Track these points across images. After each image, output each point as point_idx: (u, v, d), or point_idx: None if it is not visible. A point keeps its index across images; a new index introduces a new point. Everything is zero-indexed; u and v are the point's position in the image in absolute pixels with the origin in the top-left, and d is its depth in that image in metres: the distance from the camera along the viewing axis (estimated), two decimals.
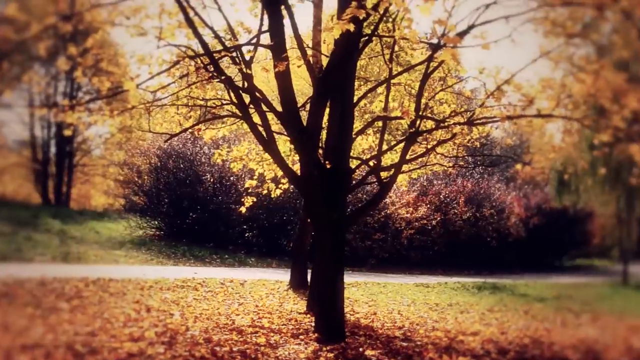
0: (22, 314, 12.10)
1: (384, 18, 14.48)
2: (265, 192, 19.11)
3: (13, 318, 11.58)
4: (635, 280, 21.49)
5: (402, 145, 14.32)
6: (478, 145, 16.07)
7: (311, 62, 14.64)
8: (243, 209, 18.77)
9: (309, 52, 15.12)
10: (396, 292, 22.25)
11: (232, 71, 14.79)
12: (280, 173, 16.88)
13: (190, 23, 12.02)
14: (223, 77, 12.57)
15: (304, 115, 14.47)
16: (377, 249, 32.44)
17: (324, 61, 15.25)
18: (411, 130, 13.69)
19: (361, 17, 9.08)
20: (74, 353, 9.64)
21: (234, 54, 13.09)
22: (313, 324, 13.71)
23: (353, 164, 14.44)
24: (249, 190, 20.16)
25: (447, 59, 9.88)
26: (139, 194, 34.23)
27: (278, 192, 18.95)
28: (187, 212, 31.33)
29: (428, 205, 34.06)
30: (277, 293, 19.40)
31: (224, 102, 14.66)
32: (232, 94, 13.24)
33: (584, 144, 15.84)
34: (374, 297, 20.63)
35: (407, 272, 30.57)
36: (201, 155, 31.82)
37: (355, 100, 14.24)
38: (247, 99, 13.15)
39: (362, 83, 17.81)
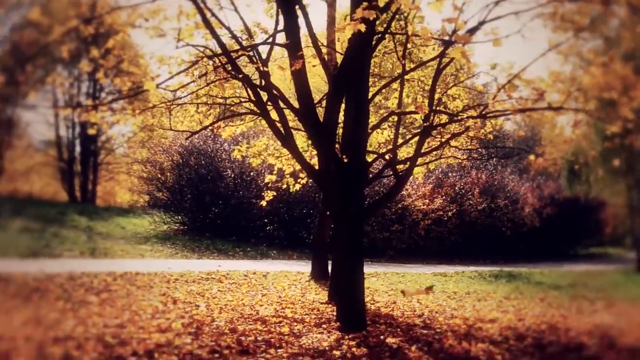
0: (53, 307, 12.21)
1: (396, 16, 14.52)
2: (284, 186, 19.20)
3: (45, 312, 11.69)
4: None
5: (417, 139, 14.38)
6: (491, 138, 16.09)
7: (326, 60, 14.70)
8: (264, 203, 18.89)
9: (324, 50, 15.18)
10: (415, 282, 22.27)
11: (249, 70, 14.87)
12: (298, 167, 16.98)
13: (207, 24, 12.10)
14: (241, 76, 12.65)
15: (320, 111, 14.52)
16: (395, 240, 32.48)
17: (339, 59, 15.31)
18: (425, 125, 13.74)
19: (371, 18, 9.13)
20: (104, 344, 9.75)
21: (251, 53, 13.18)
22: (335, 314, 13.76)
23: (369, 157, 14.48)
24: (269, 185, 20.24)
25: (457, 57, 9.90)
26: (163, 190, 34.38)
27: (297, 186, 19.05)
28: (210, 207, 31.45)
29: (444, 197, 34.07)
30: (299, 284, 19.46)
31: (243, 99, 14.77)
32: (250, 92, 13.33)
33: (594, 135, 15.87)
34: (393, 286, 20.64)
35: (424, 262, 30.56)
36: (221, 151, 31.93)
37: (370, 96, 14.29)
38: (264, 96, 13.23)
39: (376, 79, 17.85)
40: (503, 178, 37.49)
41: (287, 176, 18.73)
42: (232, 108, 15.59)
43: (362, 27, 9.28)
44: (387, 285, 20.91)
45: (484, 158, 27.50)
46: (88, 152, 42.50)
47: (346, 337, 11.93)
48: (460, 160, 18.04)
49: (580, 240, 39.23)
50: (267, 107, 13.27)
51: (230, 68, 12.74)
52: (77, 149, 42.36)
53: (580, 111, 12.15)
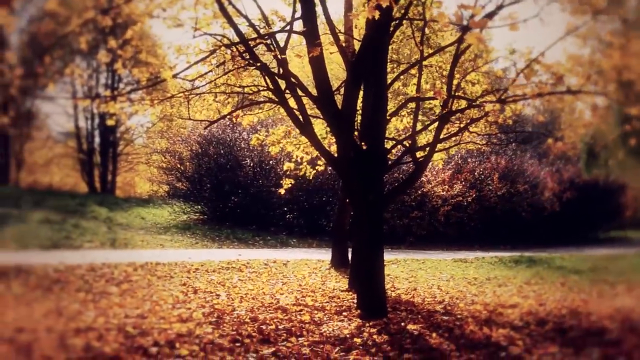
0: (74, 298, 12.24)
1: (414, 1, 14.46)
2: (302, 173, 19.17)
3: (66, 303, 11.71)
4: None
5: (436, 125, 14.33)
6: (510, 123, 16.02)
7: (344, 47, 14.67)
8: (282, 191, 18.86)
9: (342, 37, 15.15)
10: (435, 268, 22.24)
11: (267, 58, 14.86)
12: (317, 154, 16.95)
13: (225, 13, 12.09)
14: (259, 64, 12.65)
15: (338, 98, 14.49)
16: (415, 227, 32.39)
17: (357, 46, 15.26)
18: (444, 110, 13.69)
19: (384, 5, 9.07)
20: (125, 335, 9.77)
21: (269, 41, 13.16)
22: (355, 301, 13.77)
23: (388, 144, 14.47)
24: (288, 173, 20.21)
25: (473, 42, 9.85)
26: (182, 180, 34.46)
27: (314, 172, 19.01)
28: (229, 196, 31.47)
29: (463, 183, 33.96)
30: (319, 272, 19.46)
31: (261, 88, 14.74)
32: (268, 80, 13.30)
33: (613, 117, 15.78)
34: (413, 273, 20.64)
35: (444, 249, 30.50)
36: (240, 140, 31.94)
37: (388, 83, 14.26)
38: (282, 84, 13.21)
39: (394, 66, 17.81)
40: (522, 163, 37.33)
41: (305, 163, 18.70)
42: (250, 97, 15.59)
43: (377, 14, 9.23)
44: (408, 272, 20.90)
45: (503, 143, 27.41)
46: (107, 143, 42.65)
47: (367, 324, 11.94)
48: (479, 146, 18.02)
49: (600, 224, 39.00)
50: (285, 95, 13.25)
51: (248, 56, 12.72)
52: (97, 140, 42.56)
53: (599, 94, 12.08)
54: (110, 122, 13.70)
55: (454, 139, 15.85)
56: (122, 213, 28.61)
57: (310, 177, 19.73)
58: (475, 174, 34.81)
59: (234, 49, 12.85)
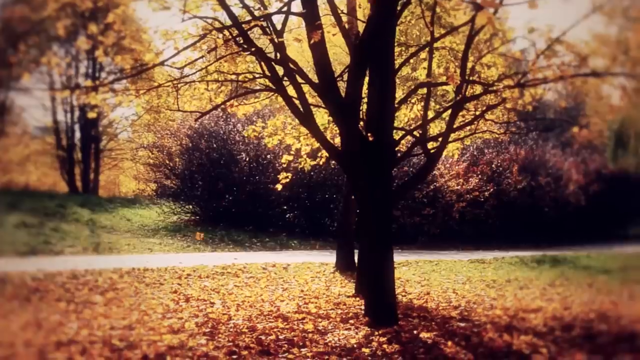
0: (54, 309, 12.25)
1: None
2: (301, 166, 19.11)
3: (45, 314, 11.72)
4: None
5: (449, 112, 14.28)
6: (530, 110, 16.00)
7: (347, 28, 14.63)
8: (279, 186, 18.80)
9: (344, 18, 15.10)
10: (450, 270, 22.25)
11: (263, 42, 14.85)
12: (317, 146, 16.90)
13: None
14: (253, 49, 12.61)
15: (341, 85, 14.45)
16: (427, 225, 32.41)
17: (361, 27, 15.22)
18: (458, 97, 13.65)
19: None
20: (111, 348, 9.75)
21: (264, 24, 13.11)
22: (363, 308, 13.76)
23: (397, 135, 14.43)
24: (286, 166, 20.11)
25: (483, 22, 9.83)
26: (171, 177, 34.47)
27: (311, 162, 18.92)
28: (223, 195, 31.45)
29: (479, 176, 33.95)
30: (323, 276, 19.47)
31: (256, 75, 14.67)
32: (264, 67, 13.27)
33: None
34: (426, 276, 20.65)
35: (460, 248, 30.53)
36: (235, 133, 31.90)
37: (396, 67, 14.20)
38: (280, 71, 13.17)
39: (403, 49, 17.77)
40: (544, 153, 37.36)
41: (304, 156, 18.64)
42: (245, 85, 15.56)
43: None
44: (420, 274, 20.91)
45: (523, 132, 27.49)
46: (89, 138, 42.62)
47: (376, 332, 11.91)
48: (496, 135, 18.01)
49: (630, 219, 38.96)
50: (284, 82, 13.21)
51: (241, 41, 12.70)
52: (77, 135, 42.53)
53: (627, 76, 12.05)
54: (91, 115, 13.71)
55: (468, 128, 15.81)
56: (105, 215, 28.67)
57: (308, 169, 19.63)
58: (493, 166, 34.83)
59: (227, 33, 12.83)
